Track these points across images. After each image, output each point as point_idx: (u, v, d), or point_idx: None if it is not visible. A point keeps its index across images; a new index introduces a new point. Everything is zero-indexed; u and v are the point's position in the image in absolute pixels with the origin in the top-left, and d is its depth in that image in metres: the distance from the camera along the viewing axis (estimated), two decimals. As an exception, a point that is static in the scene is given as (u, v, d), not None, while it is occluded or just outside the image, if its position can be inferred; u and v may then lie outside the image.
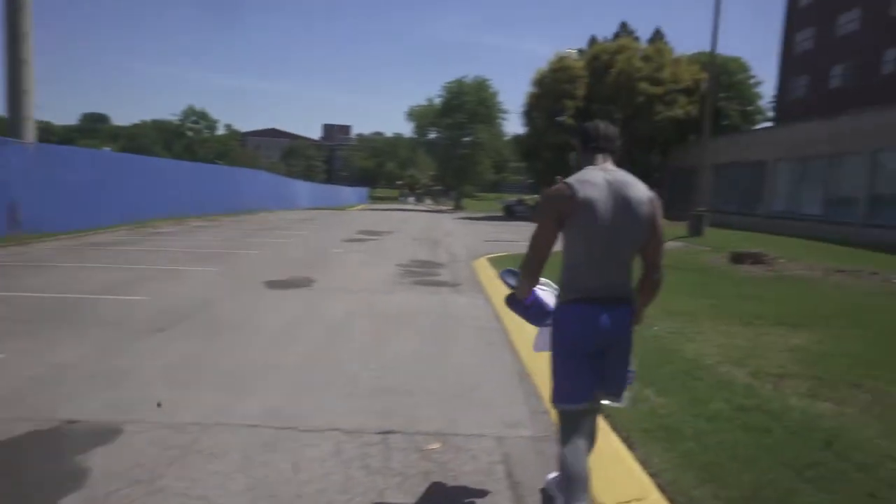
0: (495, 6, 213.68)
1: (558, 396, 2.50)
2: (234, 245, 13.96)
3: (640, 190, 2.42)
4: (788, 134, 25.09)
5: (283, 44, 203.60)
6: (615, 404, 2.57)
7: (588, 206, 2.34)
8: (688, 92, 32.68)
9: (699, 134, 34.59)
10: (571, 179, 2.42)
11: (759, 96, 45.54)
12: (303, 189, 48.51)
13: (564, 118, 32.84)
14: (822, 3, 36.66)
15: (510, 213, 35.45)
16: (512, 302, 2.72)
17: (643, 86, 30.99)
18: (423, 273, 10.48)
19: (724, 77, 32.64)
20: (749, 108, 44.33)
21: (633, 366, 2.59)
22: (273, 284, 8.73)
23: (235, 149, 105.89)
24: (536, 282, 2.60)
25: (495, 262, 11.72)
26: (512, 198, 52.32)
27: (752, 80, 44.81)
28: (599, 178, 2.40)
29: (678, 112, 31.69)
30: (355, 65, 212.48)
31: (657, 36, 36.90)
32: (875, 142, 19.69)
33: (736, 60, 43.11)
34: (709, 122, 20.87)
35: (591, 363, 2.46)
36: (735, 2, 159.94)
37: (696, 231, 19.54)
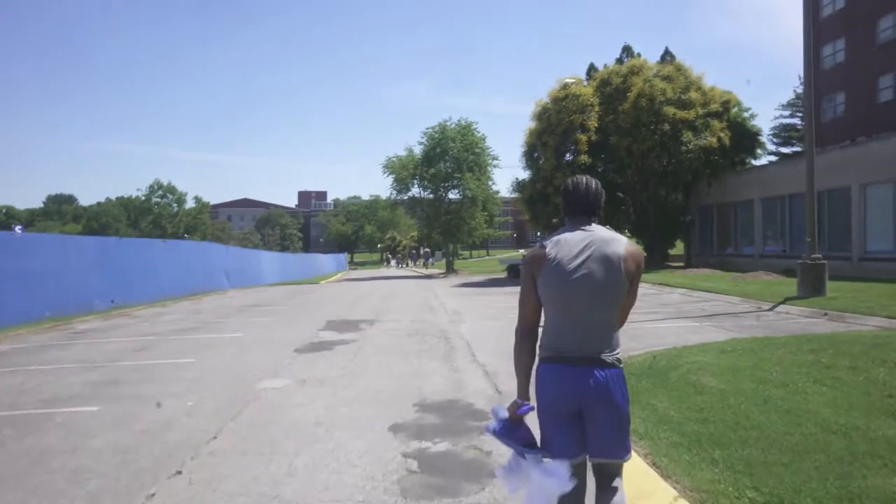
0: (452, 70, 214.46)
1: (547, 450, 2.43)
2: (90, 386, 7.52)
3: (619, 245, 2.37)
4: (880, 150, 19.54)
5: (251, 116, 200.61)
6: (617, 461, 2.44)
7: (557, 264, 2.33)
8: (717, 116, 27.38)
9: (733, 164, 29.23)
10: (546, 239, 2.44)
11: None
12: (270, 261, 41.94)
13: (577, 156, 27.07)
14: (852, 9, 32.23)
15: (518, 275, 29.14)
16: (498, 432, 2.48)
17: (670, 110, 25.54)
18: (454, 470, 4.17)
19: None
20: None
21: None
22: None
23: (205, 221, 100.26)
24: (532, 356, 2.52)
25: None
26: (511, 254, 46.11)
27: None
28: (575, 237, 2.39)
29: (711, 140, 26.22)
30: (326, 132, 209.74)
31: (668, 56, 31.91)
32: None
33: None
34: (812, 132, 15.24)
35: (569, 423, 2.41)
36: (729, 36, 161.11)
37: (814, 289, 13.50)
